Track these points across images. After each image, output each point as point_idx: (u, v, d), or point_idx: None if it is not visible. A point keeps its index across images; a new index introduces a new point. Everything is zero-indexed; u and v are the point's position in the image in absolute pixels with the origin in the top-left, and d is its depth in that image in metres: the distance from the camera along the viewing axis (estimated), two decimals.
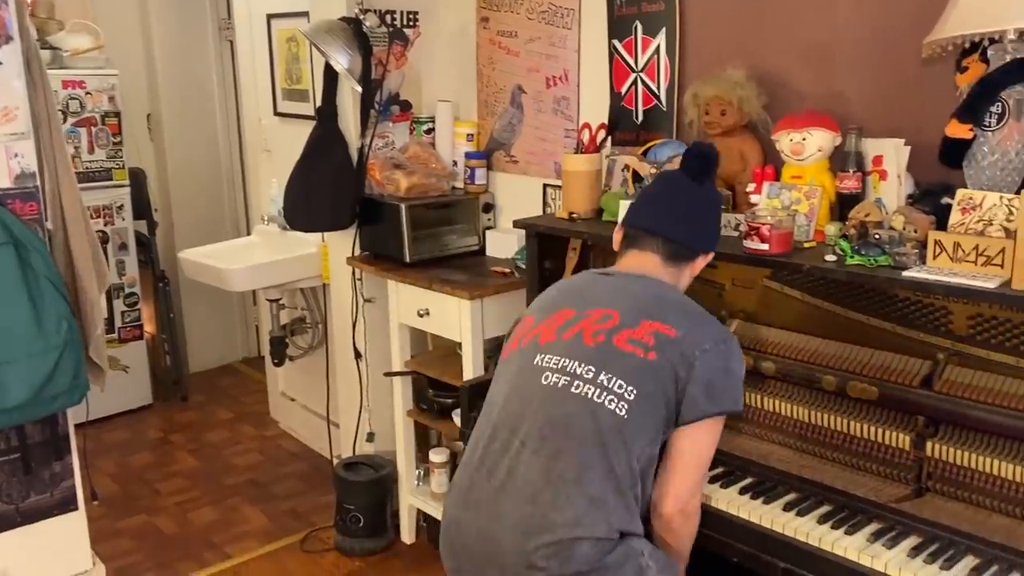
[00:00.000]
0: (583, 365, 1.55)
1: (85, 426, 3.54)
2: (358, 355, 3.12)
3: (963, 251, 1.61)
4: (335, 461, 3.18)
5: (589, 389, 1.53)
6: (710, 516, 1.75)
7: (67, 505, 2.39)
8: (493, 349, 2.63)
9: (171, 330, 4.44)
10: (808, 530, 1.64)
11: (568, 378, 1.55)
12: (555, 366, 1.57)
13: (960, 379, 1.69)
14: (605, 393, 1.52)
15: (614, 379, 1.52)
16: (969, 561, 1.52)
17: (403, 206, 2.76)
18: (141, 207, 4.27)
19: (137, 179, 4.24)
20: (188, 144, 4.63)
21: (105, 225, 4.07)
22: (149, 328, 4.42)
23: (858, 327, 1.86)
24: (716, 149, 1.78)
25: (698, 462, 1.60)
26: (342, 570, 2.92)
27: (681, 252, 1.72)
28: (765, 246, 1.84)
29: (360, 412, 3.16)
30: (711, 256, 1.78)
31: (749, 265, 1.97)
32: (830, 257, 1.78)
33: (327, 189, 2.89)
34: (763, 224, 1.83)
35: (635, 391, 1.52)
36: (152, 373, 4.40)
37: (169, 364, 4.49)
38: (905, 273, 1.64)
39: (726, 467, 1.89)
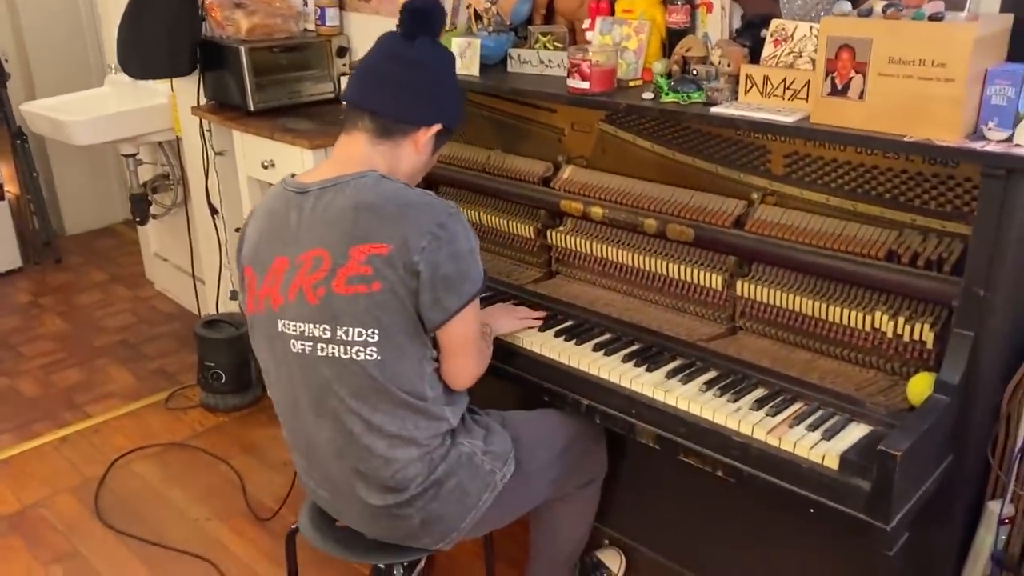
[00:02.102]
0: (318, 326, 1.45)
1: None
2: (214, 211, 3.01)
3: (772, 85, 1.57)
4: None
5: (333, 348, 1.45)
6: (522, 357, 1.77)
7: None
8: None
9: (36, 190, 4.21)
10: (610, 368, 1.65)
11: (310, 343, 1.47)
12: (295, 332, 1.48)
13: (771, 218, 1.68)
14: (349, 347, 1.44)
15: (351, 330, 1.43)
16: (757, 393, 1.56)
17: (243, 49, 2.58)
18: None
19: None
20: None
21: None
22: (11, 188, 4.18)
23: (685, 169, 1.83)
24: (438, 3, 1.59)
25: (468, 343, 1.54)
26: (205, 425, 2.91)
27: (392, 127, 1.54)
28: (586, 84, 1.76)
29: (220, 269, 3.07)
30: (438, 128, 1.58)
31: (571, 106, 1.90)
32: (648, 95, 1.72)
33: (162, 31, 2.67)
34: (583, 61, 1.75)
35: (377, 331, 1.43)
36: (20, 235, 4.20)
37: (37, 226, 4.29)
38: (713, 109, 1.59)
39: (550, 311, 1.89)
